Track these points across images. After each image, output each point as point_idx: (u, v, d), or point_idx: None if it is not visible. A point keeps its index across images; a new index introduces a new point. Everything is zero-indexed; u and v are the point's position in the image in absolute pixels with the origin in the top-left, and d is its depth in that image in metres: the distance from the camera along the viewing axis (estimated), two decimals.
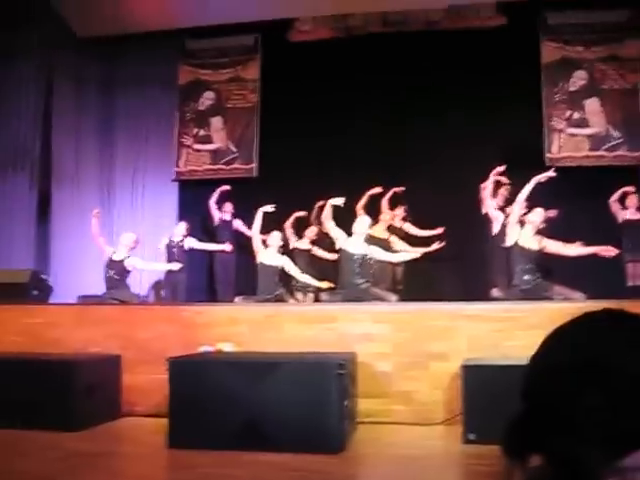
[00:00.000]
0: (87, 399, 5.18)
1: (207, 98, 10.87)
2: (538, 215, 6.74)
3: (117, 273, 7.43)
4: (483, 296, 6.72)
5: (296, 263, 7.83)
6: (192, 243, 9.04)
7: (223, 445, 4.34)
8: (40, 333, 6.08)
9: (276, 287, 7.45)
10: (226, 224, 9.50)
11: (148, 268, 8.82)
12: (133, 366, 5.75)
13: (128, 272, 7.59)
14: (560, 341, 0.81)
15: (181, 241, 9.00)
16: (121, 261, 7.49)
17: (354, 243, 6.76)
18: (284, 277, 7.78)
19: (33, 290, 7.14)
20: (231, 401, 4.49)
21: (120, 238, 7.88)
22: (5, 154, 9.46)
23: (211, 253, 9.34)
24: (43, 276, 7.58)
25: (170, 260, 8.70)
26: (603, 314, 0.83)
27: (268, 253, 7.42)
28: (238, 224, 9.36)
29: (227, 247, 8.92)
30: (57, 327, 6.12)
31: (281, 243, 7.75)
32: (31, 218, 9.52)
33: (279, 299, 7.29)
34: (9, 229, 9.27)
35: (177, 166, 10.77)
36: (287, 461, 4.09)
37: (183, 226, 9.15)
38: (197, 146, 10.80)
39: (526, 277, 6.36)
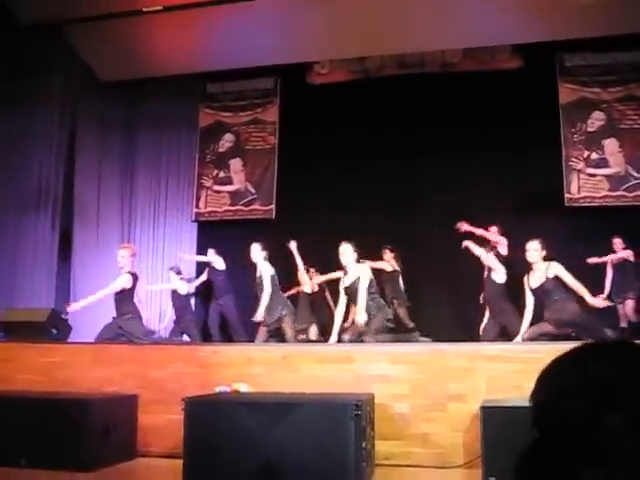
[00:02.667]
0: (103, 439, 5.14)
1: (227, 140, 11.02)
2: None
3: (122, 292, 7.25)
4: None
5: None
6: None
7: None
8: (56, 372, 6.08)
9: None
10: None
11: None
12: (149, 406, 5.71)
13: (133, 288, 7.36)
14: (567, 368, 0.81)
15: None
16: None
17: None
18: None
19: (52, 329, 7.16)
20: (247, 443, 4.43)
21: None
22: (29, 193, 9.62)
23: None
24: (63, 315, 7.59)
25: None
26: (607, 344, 0.83)
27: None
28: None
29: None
30: (73, 366, 6.12)
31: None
32: (52, 256, 9.63)
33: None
34: (31, 267, 9.37)
35: (197, 207, 10.88)
36: None
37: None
38: (217, 187, 10.92)
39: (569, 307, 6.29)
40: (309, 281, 8.98)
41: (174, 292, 9.43)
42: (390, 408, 5.32)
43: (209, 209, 10.92)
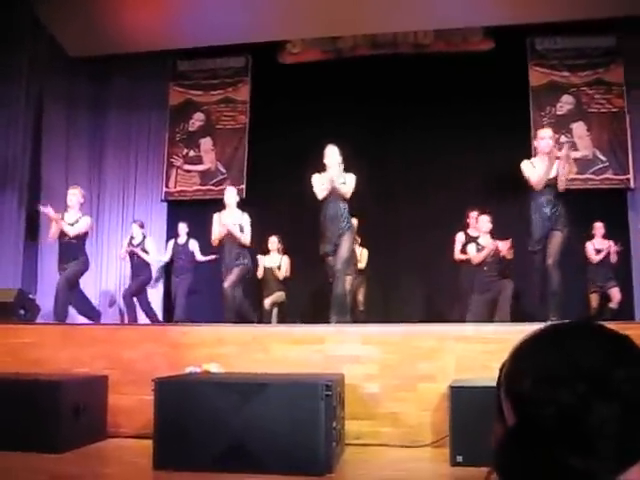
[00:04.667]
0: (73, 420, 5.11)
1: (197, 119, 10.91)
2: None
3: (74, 237, 7.31)
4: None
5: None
6: (195, 248, 9.34)
7: (209, 467, 4.30)
8: (25, 353, 6.02)
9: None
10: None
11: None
12: (119, 387, 5.70)
13: (86, 234, 7.46)
14: (550, 352, 0.79)
15: (186, 242, 9.32)
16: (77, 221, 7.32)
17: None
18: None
19: (19, 310, 7.08)
20: (217, 422, 4.45)
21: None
22: None
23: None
24: (30, 296, 7.50)
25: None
26: (577, 326, 0.83)
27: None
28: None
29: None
30: (43, 347, 6.06)
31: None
32: (19, 236, 9.47)
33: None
34: None
35: (166, 186, 10.79)
36: None
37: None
38: (187, 167, 10.82)
39: None
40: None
41: (131, 246, 9.20)
42: (360, 388, 5.38)
43: (179, 188, 10.83)
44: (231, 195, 7.75)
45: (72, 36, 9.78)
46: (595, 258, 8.54)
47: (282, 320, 8.69)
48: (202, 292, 9.43)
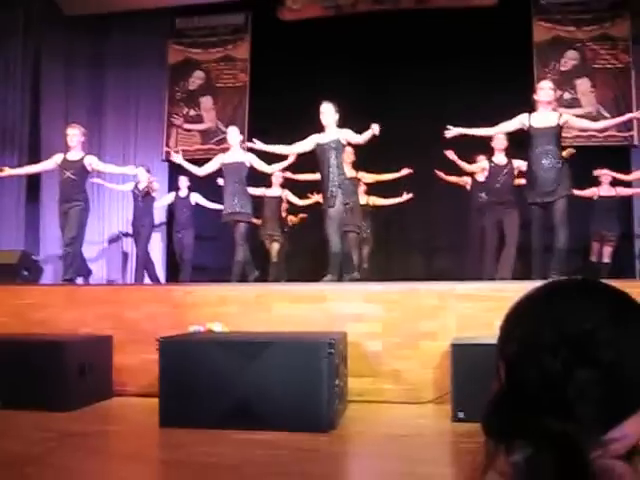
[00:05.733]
0: (79, 380, 5.18)
1: (197, 77, 10.81)
2: None
3: (75, 173, 7.14)
4: None
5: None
6: (198, 199, 9.27)
7: (213, 424, 4.36)
8: (30, 314, 6.07)
9: None
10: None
11: (112, 171, 8.30)
12: (123, 346, 5.75)
13: (87, 172, 7.31)
14: (538, 315, 0.78)
15: (187, 196, 9.18)
16: (79, 160, 7.17)
17: None
18: None
19: (23, 271, 7.10)
20: (221, 381, 4.50)
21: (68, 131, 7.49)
22: None
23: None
24: (33, 257, 7.52)
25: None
26: (574, 284, 0.81)
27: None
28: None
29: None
30: (47, 308, 6.10)
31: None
32: (20, 200, 9.47)
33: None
34: None
35: (167, 145, 10.74)
36: (277, 439, 4.11)
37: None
38: (187, 126, 10.76)
39: None
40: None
41: (136, 190, 9.23)
42: (363, 346, 5.42)
43: (179, 148, 10.76)
44: (234, 135, 7.62)
45: None
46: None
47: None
48: (206, 245, 9.48)
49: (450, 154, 7.89)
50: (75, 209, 6.94)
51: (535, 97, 6.30)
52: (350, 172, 7.61)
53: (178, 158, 8.06)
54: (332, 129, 6.58)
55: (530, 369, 0.75)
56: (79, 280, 7.26)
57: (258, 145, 7.09)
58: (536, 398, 0.74)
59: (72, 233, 6.88)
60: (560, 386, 0.73)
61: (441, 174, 8.13)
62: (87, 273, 7.81)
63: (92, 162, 7.27)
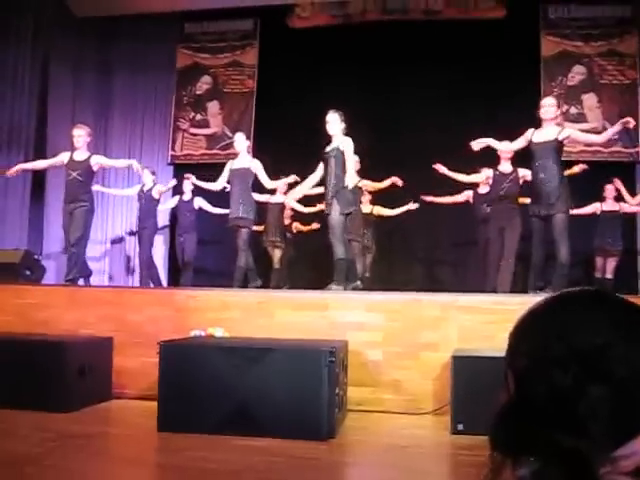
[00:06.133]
0: (78, 381, 5.17)
1: (204, 82, 10.85)
2: None
3: (81, 174, 7.12)
4: None
5: None
6: (201, 203, 9.29)
7: (212, 429, 4.35)
8: (31, 314, 6.07)
9: None
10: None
11: (118, 164, 8.34)
12: (124, 348, 5.75)
13: (93, 173, 7.34)
14: (547, 328, 0.78)
15: (191, 199, 9.25)
16: (85, 160, 7.17)
17: None
18: None
19: (25, 270, 7.11)
20: (221, 386, 4.49)
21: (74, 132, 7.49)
22: (0, 135, 9.40)
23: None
24: (36, 256, 7.53)
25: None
26: (583, 295, 0.81)
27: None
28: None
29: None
30: (49, 308, 6.10)
31: None
32: (25, 199, 9.48)
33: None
34: (3, 210, 9.23)
35: (173, 149, 10.77)
36: (276, 446, 4.11)
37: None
38: (193, 130, 10.79)
39: None
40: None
41: (141, 193, 9.22)
42: (363, 355, 5.41)
43: (185, 152, 10.81)
44: (241, 141, 7.67)
45: None
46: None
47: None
48: (209, 249, 9.50)
49: (440, 168, 7.87)
50: (80, 210, 6.95)
51: (539, 114, 6.32)
52: (354, 180, 7.59)
53: (192, 179, 8.34)
54: (338, 138, 6.58)
55: (539, 383, 0.75)
56: (80, 281, 7.27)
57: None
58: (545, 412, 0.74)
59: (77, 234, 6.89)
60: (571, 401, 0.72)
61: (441, 168, 8.01)
62: (88, 274, 7.81)
63: (99, 160, 7.32)
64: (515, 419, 0.76)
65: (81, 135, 7.23)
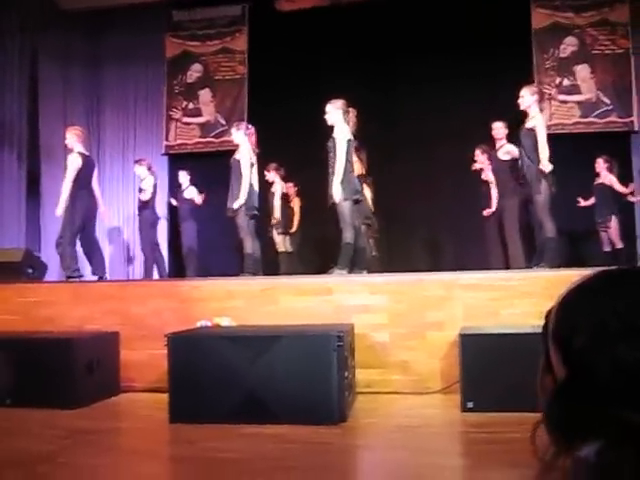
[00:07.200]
0: (87, 376, 5.19)
1: (195, 70, 10.77)
2: None
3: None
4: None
5: None
6: (192, 193, 9.33)
7: (224, 419, 4.37)
8: (36, 311, 6.07)
9: None
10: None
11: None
12: (130, 342, 5.75)
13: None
14: (604, 305, 0.76)
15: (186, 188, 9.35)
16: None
17: None
18: None
19: (27, 269, 7.10)
20: (231, 375, 4.50)
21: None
22: None
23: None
24: (37, 254, 7.51)
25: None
26: (631, 272, 0.80)
27: None
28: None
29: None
30: (53, 305, 6.10)
31: None
32: (21, 196, 9.45)
33: None
34: None
35: (166, 139, 10.71)
36: (289, 433, 4.13)
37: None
38: (186, 119, 10.72)
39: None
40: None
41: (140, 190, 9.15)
42: (370, 337, 5.43)
43: (179, 141, 10.75)
44: (237, 136, 7.65)
45: None
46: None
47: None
48: (211, 240, 9.51)
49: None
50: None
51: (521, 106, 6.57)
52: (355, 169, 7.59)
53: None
54: (337, 128, 6.56)
55: (603, 360, 0.73)
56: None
57: None
58: (610, 389, 0.72)
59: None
60: (635, 376, 0.71)
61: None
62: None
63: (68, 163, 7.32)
64: (575, 398, 0.74)
65: (71, 137, 7.37)
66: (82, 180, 7.23)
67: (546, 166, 6.25)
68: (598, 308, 0.76)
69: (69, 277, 7.01)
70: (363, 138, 8.70)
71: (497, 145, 7.58)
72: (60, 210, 7.14)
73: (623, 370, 0.72)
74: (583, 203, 8.54)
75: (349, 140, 6.53)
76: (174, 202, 9.71)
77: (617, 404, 0.71)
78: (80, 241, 7.25)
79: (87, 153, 7.55)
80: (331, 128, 6.58)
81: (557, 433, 0.75)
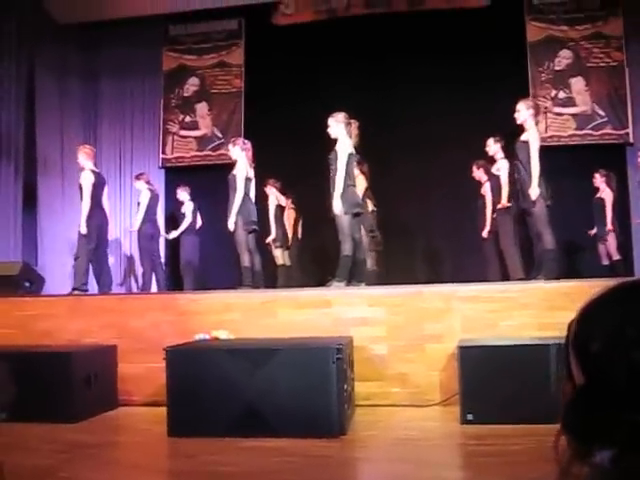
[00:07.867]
0: (85, 390, 5.16)
1: (192, 84, 10.82)
2: None
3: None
4: None
5: None
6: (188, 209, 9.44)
7: (223, 432, 4.35)
8: (33, 325, 6.04)
9: None
10: None
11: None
12: (129, 356, 5.73)
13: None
14: (622, 313, 0.78)
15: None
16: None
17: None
18: None
19: (25, 282, 7.08)
20: (230, 388, 4.49)
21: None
22: None
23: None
24: (34, 267, 7.51)
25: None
26: None
27: None
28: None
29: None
30: (50, 319, 6.08)
31: None
32: (17, 209, 9.43)
33: None
34: None
35: (163, 153, 10.74)
36: (288, 446, 4.11)
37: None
38: (183, 132, 10.76)
39: None
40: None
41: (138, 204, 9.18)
42: (369, 350, 5.42)
43: (176, 155, 10.78)
44: (234, 151, 7.67)
45: (61, 3, 9.61)
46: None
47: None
48: (211, 254, 9.52)
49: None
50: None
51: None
52: (357, 183, 7.61)
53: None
54: (339, 141, 6.57)
55: (619, 366, 0.74)
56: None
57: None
58: (624, 395, 0.73)
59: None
60: None
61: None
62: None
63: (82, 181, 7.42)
64: (591, 404, 0.76)
65: (82, 157, 7.55)
66: (95, 197, 7.31)
67: (534, 189, 6.26)
68: (614, 316, 0.79)
69: (75, 289, 7.02)
70: (361, 149, 8.77)
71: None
72: (84, 228, 7.19)
73: (639, 375, 0.73)
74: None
75: (350, 154, 6.55)
76: (169, 237, 9.70)
77: (632, 409, 0.73)
78: (91, 258, 7.30)
79: (97, 170, 7.63)
80: (332, 141, 6.59)
81: (574, 439, 0.77)
